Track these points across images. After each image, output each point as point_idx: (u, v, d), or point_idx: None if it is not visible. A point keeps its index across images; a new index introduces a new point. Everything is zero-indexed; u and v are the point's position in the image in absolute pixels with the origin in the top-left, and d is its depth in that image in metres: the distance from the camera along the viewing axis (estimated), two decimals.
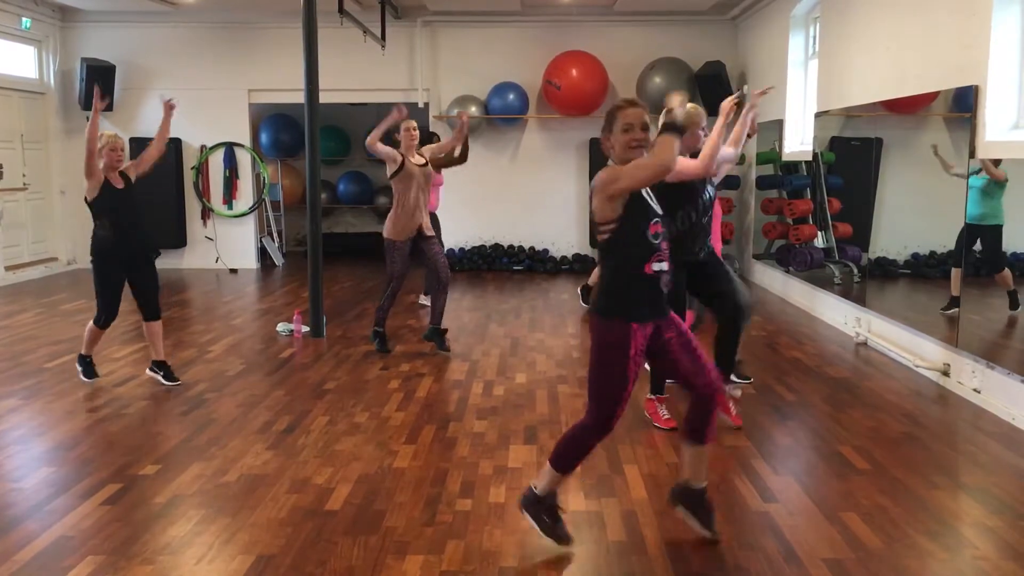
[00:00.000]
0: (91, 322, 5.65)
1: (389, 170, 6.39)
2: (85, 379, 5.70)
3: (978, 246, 5.68)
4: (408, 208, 6.39)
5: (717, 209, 5.64)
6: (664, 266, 3.18)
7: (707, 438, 3.31)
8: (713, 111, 11.79)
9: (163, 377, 5.70)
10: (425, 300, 8.38)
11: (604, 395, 3.18)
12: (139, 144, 11.38)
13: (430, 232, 6.49)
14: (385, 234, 6.45)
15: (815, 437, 4.70)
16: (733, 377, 5.10)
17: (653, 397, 4.89)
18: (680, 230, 4.57)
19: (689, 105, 4.55)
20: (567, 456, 3.30)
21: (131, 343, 6.84)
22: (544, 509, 3.35)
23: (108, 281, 5.51)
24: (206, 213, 11.81)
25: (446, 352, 6.55)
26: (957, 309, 5.75)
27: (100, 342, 5.92)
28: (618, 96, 11.27)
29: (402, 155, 6.36)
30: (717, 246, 5.98)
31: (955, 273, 5.86)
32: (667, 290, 3.22)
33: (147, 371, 5.80)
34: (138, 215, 5.53)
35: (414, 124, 6.45)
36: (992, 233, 5.58)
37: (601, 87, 10.95)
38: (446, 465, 4.22)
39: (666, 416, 4.78)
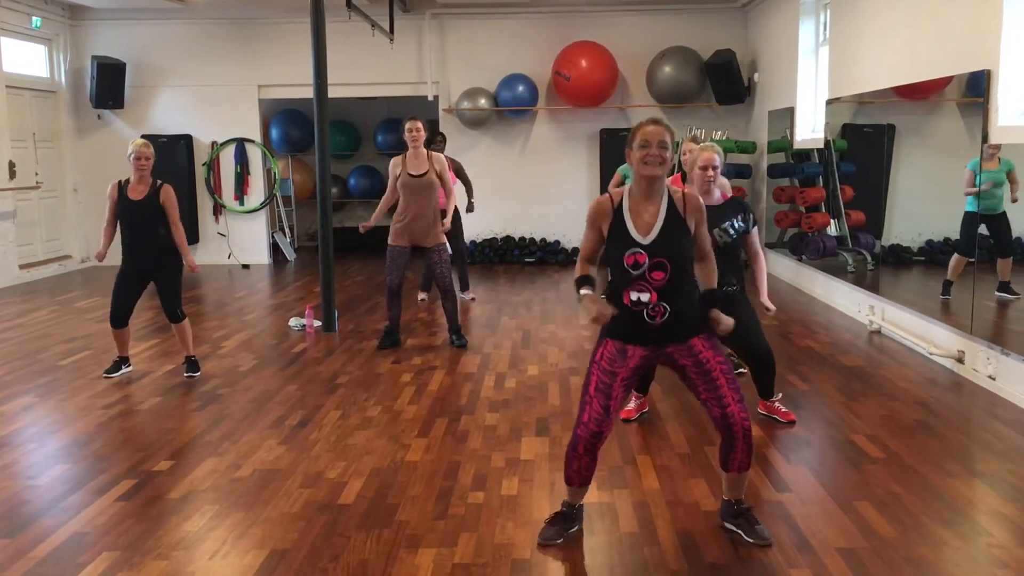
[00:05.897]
0: None
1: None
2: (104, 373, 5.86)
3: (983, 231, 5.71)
4: (403, 216, 6.40)
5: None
6: (645, 296, 3.12)
7: (730, 467, 3.26)
8: (723, 99, 11.67)
9: (185, 369, 5.83)
10: (423, 296, 8.39)
11: (581, 397, 3.26)
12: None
13: (432, 243, 6.44)
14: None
15: (828, 426, 4.68)
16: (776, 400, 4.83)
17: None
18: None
19: (699, 146, 4.47)
20: (565, 465, 3.34)
21: (144, 340, 6.87)
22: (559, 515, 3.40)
23: (116, 282, 5.73)
24: (218, 209, 11.85)
25: (460, 346, 6.56)
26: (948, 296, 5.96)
27: (131, 341, 6.02)
28: (628, 86, 11.32)
29: (400, 168, 6.37)
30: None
31: (956, 259, 5.94)
32: (659, 320, 3.12)
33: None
34: (152, 227, 5.58)
35: (417, 125, 6.35)
36: (1002, 219, 5.65)
37: (611, 77, 10.91)
38: (458, 458, 4.23)
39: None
